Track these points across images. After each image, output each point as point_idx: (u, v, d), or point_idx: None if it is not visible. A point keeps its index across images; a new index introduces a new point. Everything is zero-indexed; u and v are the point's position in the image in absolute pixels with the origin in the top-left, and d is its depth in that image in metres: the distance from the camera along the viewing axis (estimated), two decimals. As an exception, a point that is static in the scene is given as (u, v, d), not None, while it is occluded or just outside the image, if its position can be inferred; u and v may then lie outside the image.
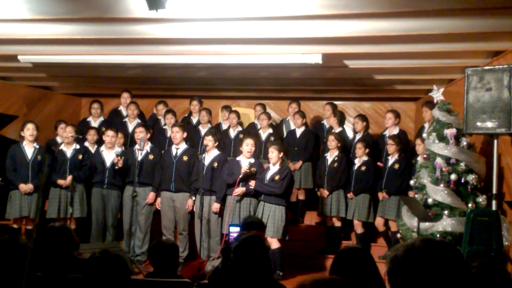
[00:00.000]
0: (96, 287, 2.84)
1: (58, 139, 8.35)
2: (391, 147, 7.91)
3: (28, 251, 2.68)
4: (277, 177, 7.08)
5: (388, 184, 7.87)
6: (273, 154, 7.17)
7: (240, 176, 7.15)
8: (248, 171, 7.18)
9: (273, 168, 7.22)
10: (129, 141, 8.98)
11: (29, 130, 7.81)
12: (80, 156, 8.05)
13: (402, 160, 7.85)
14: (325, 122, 9.49)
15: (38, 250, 3.56)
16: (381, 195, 7.89)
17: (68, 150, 8.02)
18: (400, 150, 7.89)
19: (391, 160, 7.95)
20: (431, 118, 7.77)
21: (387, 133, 8.64)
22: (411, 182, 7.17)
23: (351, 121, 10.35)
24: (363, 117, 8.91)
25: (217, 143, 7.79)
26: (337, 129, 8.77)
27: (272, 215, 7.02)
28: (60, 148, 8.02)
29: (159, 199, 7.94)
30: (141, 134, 7.92)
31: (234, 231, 4.99)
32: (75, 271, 3.54)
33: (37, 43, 7.26)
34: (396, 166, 7.84)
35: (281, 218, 7.02)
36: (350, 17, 5.63)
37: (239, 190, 7.21)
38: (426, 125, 8.09)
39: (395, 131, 8.56)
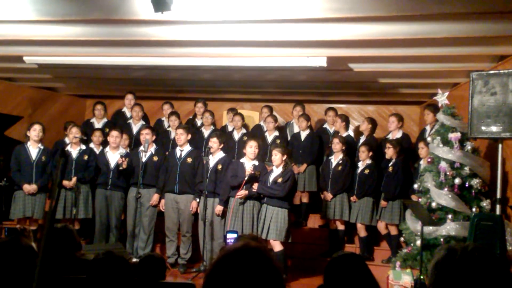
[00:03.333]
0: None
1: (67, 140, 8.38)
2: (389, 151, 7.89)
3: (33, 252, 2.68)
4: (279, 180, 7.07)
5: (385, 187, 7.87)
6: (276, 156, 7.17)
7: (246, 179, 7.14)
8: (253, 173, 7.18)
9: (276, 171, 7.21)
10: (134, 143, 8.99)
11: (36, 131, 7.83)
12: (86, 157, 8.07)
13: (396, 163, 7.82)
14: (327, 126, 9.48)
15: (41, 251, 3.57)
16: (382, 202, 7.89)
17: (74, 151, 8.04)
18: (398, 153, 7.86)
19: (390, 163, 7.94)
20: (433, 120, 7.79)
21: (390, 136, 8.62)
22: (415, 186, 7.16)
23: (355, 124, 10.36)
24: (370, 120, 8.87)
25: (222, 145, 7.79)
26: (344, 134, 8.77)
27: (275, 218, 7.01)
28: (66, 149, 8.04)
29: (163, 201, 7.95)
30: (147, 136, 7.93)
31: (231, 237, 5.02)
32: (77, 272, 3.54)
33: (43, 44, 7.28)
34: (390, 169, 7.82)
35: (283, 221, 7.01)
36: (355, 20, 5.64)
37: (242, 192, 7.21)
38: (428, 128, 8.09)
39: (398, 134, 8.54)
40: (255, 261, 1.75)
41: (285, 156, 7.19)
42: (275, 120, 9.26)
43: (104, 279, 2.87)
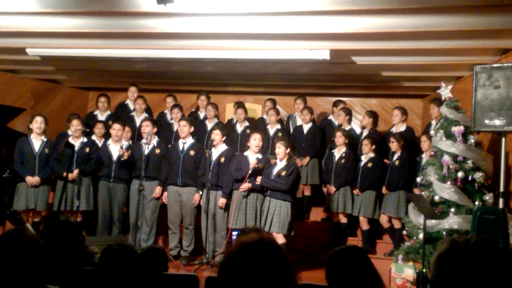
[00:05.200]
0: (110, 278, 2.86)
1: (69, 132, 8.39)
2: (393, 145, 7.90)
3: (37, 244, 2.69)
4: (283, 173, 7.07)
5: (389, 180, 7.87)
6: (280, 149, 7.16)
7: (249, 172, 7.15)
8: (256, 166, 7.18)
9: (279, 164, 7.21)
10: (137, 135, 9.00)
11: (37, 123, 7.85)
12: (87, 149, 8.07)
13: (402, 157, 7.83)
14: (332, 118, 9.46)
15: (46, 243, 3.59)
16: (384, 188, 7.90)
17: (76, 144, 8.03)
18: (402, 147, 7.86)
19: (395, 157, 7.95)
20: (438, 115, 7.75)
21: (394, 130, 8.61)
22: (418, 179, 7.16)
23: (358, 117, 10.35)
24: (370, 113, 8.87)
25: (224, 137, 7.79)
26: (347, 127, 8.77)
27: (278, 211, 7.02)
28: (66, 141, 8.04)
29: (165, 193, 7.96)
30: (147, 128, 7.94)
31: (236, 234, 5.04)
32: (81, 263, 3.56)
33: (45, 36, 7.28)
34: (397, 163, 7.83)
35: (286, 214, 7.02)
36: (358, 13, 5.62)
37: (246, 185, 7.21)
38: (433, 122, 8.07)
39: (402, 128, 8.53)
40: (270, 256, 1.76)
41: (289, 149, 7.18)
42: (277, 113, 9.25)
43: (116, 269, 2.88)
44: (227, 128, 8.50)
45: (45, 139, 7.98)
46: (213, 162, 7.64)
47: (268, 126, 9.18)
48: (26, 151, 7.85)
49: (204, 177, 7.63)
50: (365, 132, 8.74)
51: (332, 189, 8.13)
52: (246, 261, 1.75)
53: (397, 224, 7.77)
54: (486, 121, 5.70)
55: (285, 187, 7.03)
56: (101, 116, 9.40)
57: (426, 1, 5.18)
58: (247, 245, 1.80)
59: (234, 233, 5.15)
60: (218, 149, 7.74)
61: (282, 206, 7.03)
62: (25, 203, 7.71)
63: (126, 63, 8.77)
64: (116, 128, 8.17)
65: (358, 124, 9.62)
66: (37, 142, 7.90)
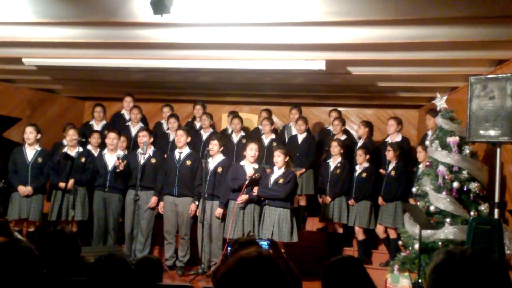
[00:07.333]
0: None
1: (65, 142, 8.38)
2: (389, 154, 7.91)
3: (33, 255, 2.68)
4: (281, 181, 7.06)
5: (385, 191, 7.88)
6: (279, 158, 7.14)
7: (247, 183, 7.13)
8: (253, 176, 7.17)
9: (277, 172, 7.20)
10: (132, 145, 8.99)
11: (26, 134, 7.84)
12: (83, 159, 8.05)
13: (399, 167, 7.85)
14: (331, 128, 9.48)
15: (42, 253, 3.57)
16: (380, 199, 7.90)
17: (71, 153, 8.01)
18: (398, 157, 7.87)
19: (390, 167, 7.96)
20: (434, 125, 7.77)
21: (389, 139, 8.62)
22: (413, 189, 7.17)
23: (353, 127, 10.37)
24: (366, 123, 8.90)
25: (222, 148, 7.79)
26: (342, 137, 8.79)
27: (278, 219, 7.00)
28: (63, 151, 8.03)
29: (161, 203, 7.94)
30: (144, 138, 7.93)
31: None
32: (77, 274, 3.54)
33: (42, 46, 7.28)
34: (393, 173, 7.84)
35: (286, 221, 7.00)
36: (354, 24, 5.65)
37: (243, 197, 7.19)
38: (430, 133, 8.08)
39: (397, 138, 8.55)
40: (269, 272, 1.75)
41: (288, 158, 7.18)
42: (271, 123, 9.26)
43: (106, 281, 2.87)
44: (224, 138, 8.50)
45: (39, 149, 7.96)
46: (209, 172, 7.63)
47: (263, 136, 9.18)
48: (19, 161, 7.83)
49: (200, 187, 7.61)
50: (361, 142, 8.75)
51: (328, 199, 8.13)
52: (244, 277, 1.74)
53: (393, 234, 7.77)
54: (481, 132, 5.73)
55: (282, 195, 7.01)
56: (97, 126, 9.39)
57: (421, 12, 5.21)
58: (246, 260, 1.79)
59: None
60: (215, 159, 7.73)
61: (282, 214, 7.02)
62: (18, 213, 7.68)
63: (122, 73, 8.77)
64: (111, 137, 8.17)
65: (355, 134, 9.63)
66: (30, 151, 7.88)
